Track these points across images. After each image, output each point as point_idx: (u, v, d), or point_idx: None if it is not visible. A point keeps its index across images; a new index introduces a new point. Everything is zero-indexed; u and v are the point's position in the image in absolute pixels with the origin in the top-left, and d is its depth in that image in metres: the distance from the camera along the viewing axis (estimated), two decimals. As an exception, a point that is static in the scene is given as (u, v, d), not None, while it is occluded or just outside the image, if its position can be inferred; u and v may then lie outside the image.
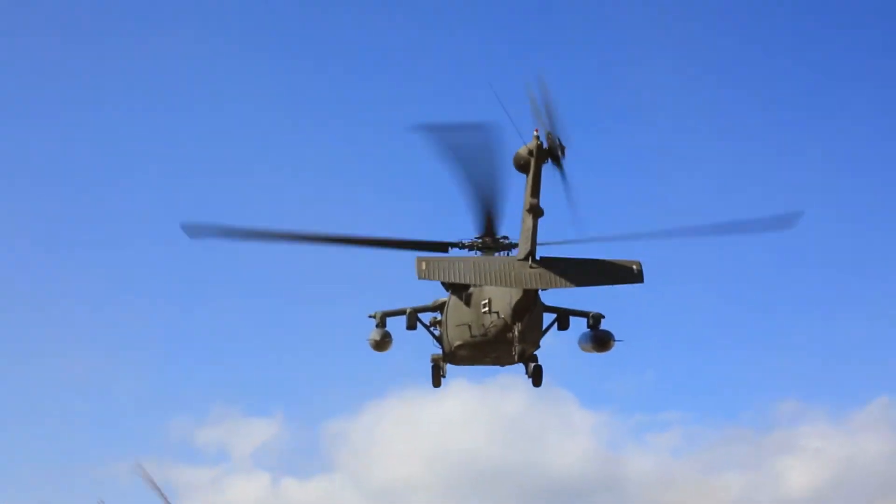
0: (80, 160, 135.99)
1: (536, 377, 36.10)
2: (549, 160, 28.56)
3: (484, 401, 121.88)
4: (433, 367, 37.79)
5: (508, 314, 31.96)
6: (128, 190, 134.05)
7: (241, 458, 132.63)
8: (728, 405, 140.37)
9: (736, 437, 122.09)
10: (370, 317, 38.05)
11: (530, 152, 28.55)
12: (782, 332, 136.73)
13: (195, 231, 33.81)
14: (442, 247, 34.64)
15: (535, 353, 35.75)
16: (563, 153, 28.25)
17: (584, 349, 36.92)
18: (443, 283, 34.58)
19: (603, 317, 36.27)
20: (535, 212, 29.17)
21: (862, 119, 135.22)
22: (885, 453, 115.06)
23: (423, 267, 30.46)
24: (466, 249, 35.23)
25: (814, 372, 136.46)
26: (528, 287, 30.07)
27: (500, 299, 32.24)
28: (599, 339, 36.02)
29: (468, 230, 35.02)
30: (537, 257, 29.45)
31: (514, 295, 31.22)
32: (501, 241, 34.70)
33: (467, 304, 34.55)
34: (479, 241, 35.33)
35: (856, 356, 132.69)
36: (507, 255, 33.89)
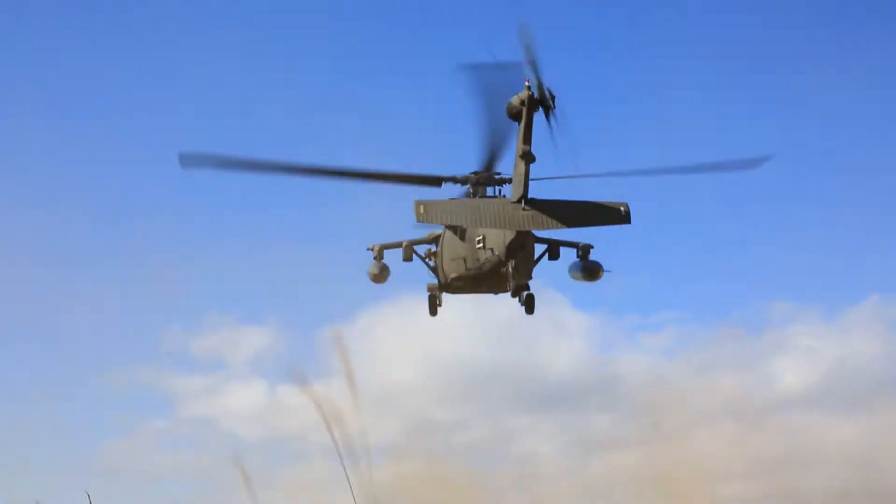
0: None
1: (529, 305, 37.58)
2: (540, 108, 30.74)
3: (478, 305, 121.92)
4: (430, 297, 39.47)
5: (502, 252, 34.29)
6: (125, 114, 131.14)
7: (237, 365, 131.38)
8: (721, 305, 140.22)
9: (729, 337, 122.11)
10: (368, 249, 39.78)
11: (522, 102, 30.73)
12: (775, 232, 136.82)
13: (191, 161, 33.99)
14: (436, 181, 36.19)
15: (529, 279, 37.26)
16: (553, 102, 30.53)
17: (574, 278, 38.61)
18: None
19: (592, 247, 38.28)
20: (527, 158, 31.38)
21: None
22: (877, 352, 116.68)
23: (422, 210, 32.27)
24: (460, 184, 36.76)
25: (806, 271, 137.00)
26: (522, 229, 32.50)
27: (494, 237, 34.47)
28: (589, 270, 37.93)
29: (460, 166, 36.90)
30: (529, 199, 31.83)
31: (508, 235, 33.68)
32: (495, 176, 36.25)
33: (462, 239, 36.42)
34: (474, 175, 36.82)
35: (847, 255, 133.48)
36: (500, 191, 36.03)
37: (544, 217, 31.95)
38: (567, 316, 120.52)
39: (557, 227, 32.29)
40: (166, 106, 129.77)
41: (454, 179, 36.68)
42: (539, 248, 37.36)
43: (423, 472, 46.02)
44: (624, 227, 32.82)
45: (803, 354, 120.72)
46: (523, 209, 31.74)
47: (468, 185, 37.00)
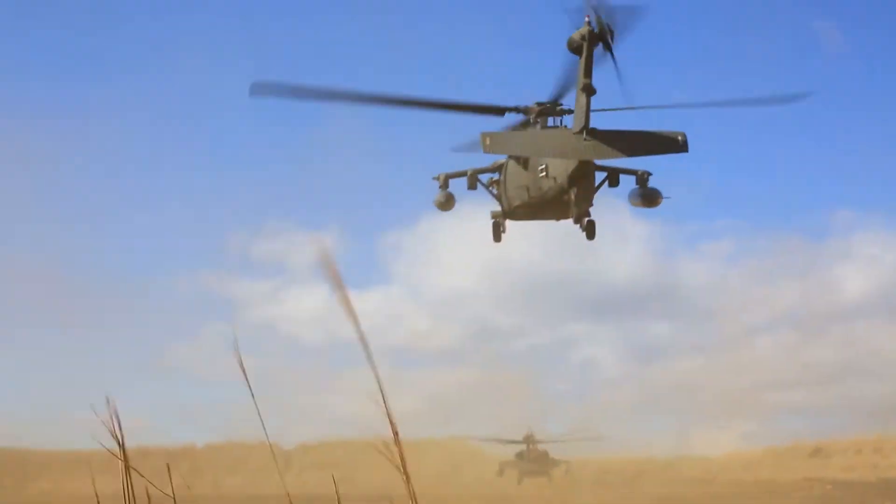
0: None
1: (590, 231, 38.86)
2: (600, 44, 31.70)
3: None
4: (493, 224, 40.66)
5: (564, 180, 36.03)
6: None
7: (297, 270, 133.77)
8: (783, 214, 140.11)
9: (790, 246, 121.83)
10: (434, 179, 40.97)
11: (582, 37, 31.86)
12: (837, 141, 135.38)
13: (262, 89, 35.02)
14: (499, 111, 37.22)
15: (589, 207, 38.35)
16: (612, 37, 31.55)
17: (634, 204, 39.76)
18: None
19: (650, 174, 39.12)
20: (588, 90, 32.61)
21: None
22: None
23: (488, 142, 33.65)
24: (522, 114, 37.60)
25: (869, 179, 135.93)
26: (584, 158, 34.08)
27: (556, 167, 35.87)
28: (648, 196, 38.85)
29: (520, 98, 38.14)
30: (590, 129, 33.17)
31: (570, 165, 35.18)
32: (557, 107, 37.09)
33: (525, 168, 37.66)
34: (537, 106, 37.89)
35: None
36: (561, 121, 36.97)
37: (604, 147, 33.37)
38: (628, 224, 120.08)
39: (617, 157, 34.05)
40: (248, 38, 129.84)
41: (516, 109, 37.35)
42: (599, 176, 37.77)
43: (482, 377, 48.49)
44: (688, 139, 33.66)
45: (865, 262, 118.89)
46: (584, 140, 32.87)
47: (529, 116, 37.57)
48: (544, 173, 36.23)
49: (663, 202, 39.16)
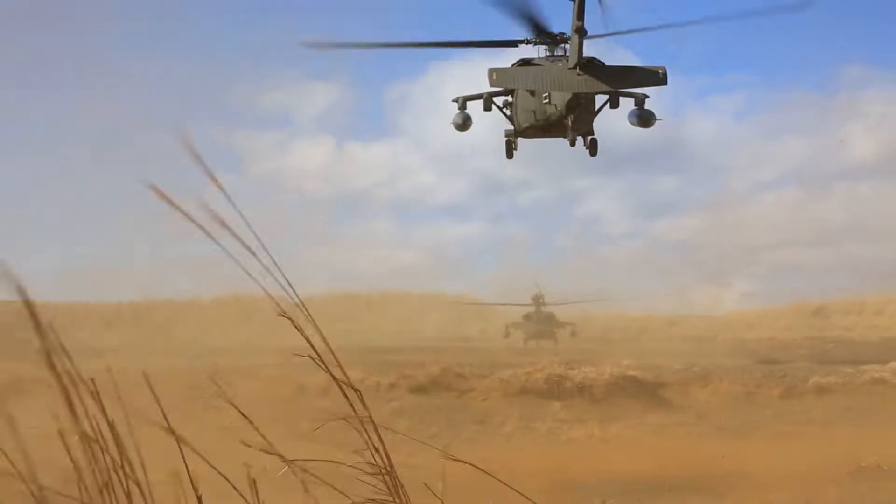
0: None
1: (593, 148, 42.27)
2: None
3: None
4: (507, 142, 44.78)
5: (563, 107, 41.19)
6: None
7: (305, 121, 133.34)
8: (793, 68, 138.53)
9: (799, 101, 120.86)
10: (453, 101, 43.97)
11: None
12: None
13: (315, 44, 38.96)
14: (512, 43, 41.61)
15: (591, 128, 41.95)
16: None
17: (631, 123, 41.36)
18: None
19: (647, 97, 41.25)
20: (580, 32, 37.82)
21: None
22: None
23: (494, 77, 39.61)
24: (533, 44, 41.68)
25: (881, 36, 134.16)
26: (576, 91, 40.15)
27: (556, 96, 41.35)
28: (643, 117, 41.13)
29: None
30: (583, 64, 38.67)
31: (566, 95, 40.83)
32: (559, 36, 41.43)
33: (532, 95, 43.20)
34: (545, 37, 41.84)
35: None
36: (564, 49, 41.29)
37: (594, 81, 39.43)
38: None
39: (605, 90, 39.55)
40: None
41: (527, 41, 41.21)
42: (602, 99, 40.90)
43: (485, 231, 49.80)
44: None
45: (875, 121, 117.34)
46: (578, 74, 39.16)
47: (541, 45, 41.52)
48: (547, 101, 41.78)
49: (656, 123, 40.68)
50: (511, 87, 42.32)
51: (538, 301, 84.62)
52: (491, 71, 39.30)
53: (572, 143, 42.33)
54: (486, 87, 42.16)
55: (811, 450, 37.53)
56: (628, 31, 38.67)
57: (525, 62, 41.20)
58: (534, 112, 42.83)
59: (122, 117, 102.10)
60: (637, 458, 35.73)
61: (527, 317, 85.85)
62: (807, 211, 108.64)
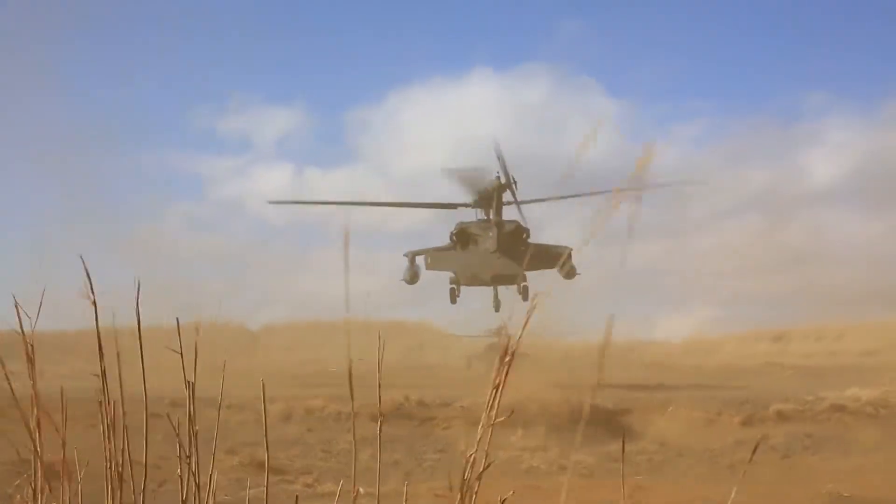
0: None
1: (524, 294, 48.70)
2: (507, 191, 49.78)
3: (507, 89, 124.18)
4: (451, 290, 54.32)
5: (488, 279, 52.52)
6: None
7: (264, 147, 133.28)
8: (755, 95, 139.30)
9: (760, 128, 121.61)
10: (404, 255, 53.46)
11: (494, 187, 49.91)
12: (812, 22, 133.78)
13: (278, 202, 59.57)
14: (453, 206, 52.33)
15: (521, 280, 50.42)
16: (516, 186, 49.50)
17: (559, 273, 49.42)
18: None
19: (570, 249, 48.16)
20: (499, 225, 50.22)
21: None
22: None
23: (429, 261, 52.02)
24: (471, 207, 52.02)
25: (843, 64, 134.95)
26: (495, 273, 51.19)
27: (482, 273, 52.04)
28: (565, 269, 48.75)
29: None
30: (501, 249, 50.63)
31: (488, 275, 51.90)
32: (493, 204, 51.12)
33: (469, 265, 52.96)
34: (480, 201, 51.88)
35: (884, 49, 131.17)
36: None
37: (511, 263, 49.23)
38: (598, 102, 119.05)
39: (519, 272, 48.95)
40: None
41: (465, 205, 51.87)
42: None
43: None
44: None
45: (834, 149, 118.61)
46: (498, 258, 49.75)
47: (479, 208, 51.99)
48: (475, 274, 51.79)
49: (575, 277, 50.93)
50: (443, 269, 51.81)
51: (501, 332, 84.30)
52: (426, 255, 50.81)
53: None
54: (434, 238, 52.98)
55: (771, 477, 37.63)
56: (535, 200, 49.69)
57: (463, 227, 51.43)
58: (468, 276, 52.38)
59: (77, 142, 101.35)
60: (597, 486, 35.69)
61: (490, 347, 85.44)
62: (767, 237, 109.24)
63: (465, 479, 3.61)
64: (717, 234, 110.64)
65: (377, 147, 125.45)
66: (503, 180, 49.27)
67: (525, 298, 44.36)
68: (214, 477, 4.17)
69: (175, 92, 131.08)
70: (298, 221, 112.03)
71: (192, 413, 4.14)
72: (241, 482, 28.73)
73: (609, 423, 44.32)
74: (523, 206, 51.01)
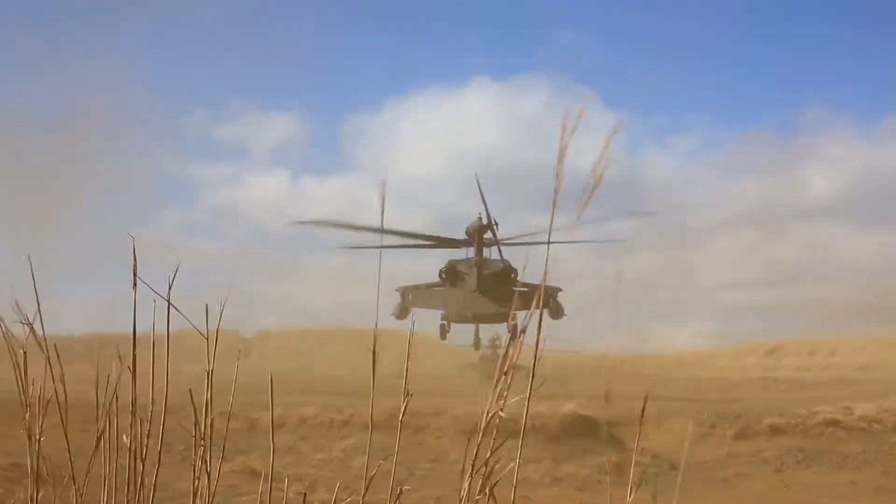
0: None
1: (513, 334, 50.95)
2: (488, 231, 50.63)
3: (504, 99, 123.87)
4: (441, 326, 54.99)
5: (471, 318, 53.81)
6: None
7: (259, 153, 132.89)
8: (752, 109, 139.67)
9: (757, 142, 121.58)
10: (396, 290, 53.99)
11: (475, 227, 50.74)
12: (810, 37, 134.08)
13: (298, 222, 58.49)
14: (451, 242, 53.05)
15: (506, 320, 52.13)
16: (497, 226, 50.40)
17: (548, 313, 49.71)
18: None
19: (560, 290, 52.46)
20: (480, 265, 50.91)
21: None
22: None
23: (410, 298, 52.82)
24: (465, 247, 52.57)
25: (840, 79, 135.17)
26: (476, 312, 52.10)
27: (465, 312, 52.99)
28: (553, 309, 51.48)
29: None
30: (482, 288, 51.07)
31: (470, 314, 52.96)
32: (485, 240, 51.89)
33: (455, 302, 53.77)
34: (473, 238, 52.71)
35: (881, 66, 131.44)
36: (490, 252, 52.14)
37: (490, 303, 50.16)
38: (595, 114, 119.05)
39: (500, 311, 50.45)
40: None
41: (463, 242, 52.36)
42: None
43: (440, 268, 51.59)
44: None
45: (831, 163, 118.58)
46: (478, 297, 50.40)
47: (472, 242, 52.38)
48: (462, 308, 52.26)
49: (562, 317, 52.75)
50: (426, 307, 52.61)
51: (494, 343, 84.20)
52: (406, 292, 52.09)
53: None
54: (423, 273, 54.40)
55: (764, 491, 37.60)
56: (513, 243, 50.04)
57: (452, 265, 52.15)
58: (455, 314, 53.57)
59: (75, 147, 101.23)
60: (589, 498, 35.66)
61: (483, 358, 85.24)
62: (762, 251, 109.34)
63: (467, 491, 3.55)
64: (711, 247, 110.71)
65: (372, 156, 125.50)
66: (484, 221, 50.28)
67: (513, 337, 48.53)
68: (210, 483, 4.15)
69: (170, 98, 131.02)
70: (292, 229, 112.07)
71: (205, 423, 4.11)
72: (234, 489, 28.73)
73: (604, 434, 44.29)
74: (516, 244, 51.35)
